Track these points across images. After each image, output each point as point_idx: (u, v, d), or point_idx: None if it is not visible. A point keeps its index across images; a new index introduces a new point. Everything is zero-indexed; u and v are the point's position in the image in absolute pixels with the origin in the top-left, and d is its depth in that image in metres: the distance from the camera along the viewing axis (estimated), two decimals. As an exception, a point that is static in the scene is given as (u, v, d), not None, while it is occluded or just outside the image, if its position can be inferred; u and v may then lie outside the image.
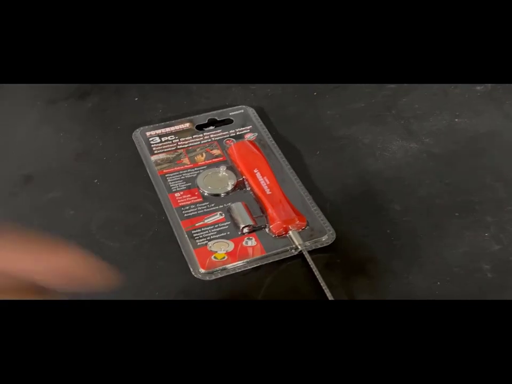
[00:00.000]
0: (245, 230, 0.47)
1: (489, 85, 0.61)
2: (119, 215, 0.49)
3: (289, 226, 0.47)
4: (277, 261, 0.46)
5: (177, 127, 0.56)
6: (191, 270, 0.45)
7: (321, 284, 0.44)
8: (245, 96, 0.60)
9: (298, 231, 0.47)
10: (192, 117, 0.58)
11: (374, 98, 0.60)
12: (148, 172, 0.53)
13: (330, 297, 0.43)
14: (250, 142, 0.55)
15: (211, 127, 0.57)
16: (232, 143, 0.55)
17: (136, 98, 0.60)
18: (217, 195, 0.50)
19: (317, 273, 0.44)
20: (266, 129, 0.56)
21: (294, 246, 0.46)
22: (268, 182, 0.50)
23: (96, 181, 0.52)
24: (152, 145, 0.55)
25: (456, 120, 0.57)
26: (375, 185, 0.52)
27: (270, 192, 0.49)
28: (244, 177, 0.51)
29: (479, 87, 0.61)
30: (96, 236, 0.48)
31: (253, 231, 0.48)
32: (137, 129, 0.56)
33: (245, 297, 0.44)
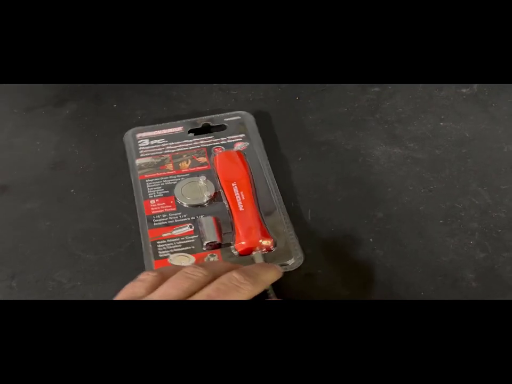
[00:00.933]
0: (209, 246, 0.46)
1: (475, 86, 0.60)
2: (95, 226, 0.48)
3: (254, 247, 0.46)
4: None
5: (169, 130, 0.55)
6: None
7: None
8: (225, 101, 0.59)
9: (263, 252, 0.46)
10: (185, 120, 0.56)
11: (358, 102, 0.59)
12: (131, 176, 0.51)
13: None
14: (238, 152, 0.53)
15: (191, 134, 0.55)
16: (220, 151, 0.53)
17: (115, 105, 0.59)
18: (194, 206, 0.49)
19: (272, 295, 0.42)
20: (261, 139, 0.54)
21: None
22: (243, 198, 0.48)
23: (72, 190, 0.51)
24: (139, 148, 0.53)
25: (441, 124, 0.56)
26: (357, 192, 0.51)
27: (243, 209, 0.48)
28: (220, 189, 0.50)
29: (464, 89, 0.60)
30: (72, 248, 0.47)
31: (219, 247, 0.46)
32: (129, 130, 0.55)
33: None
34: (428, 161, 0.53)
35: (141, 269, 0.45)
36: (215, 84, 0.60)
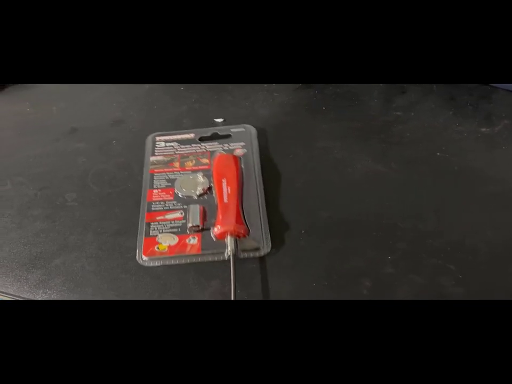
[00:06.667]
0: (192, 229, 0.53)
1: (498, 128, 0.59)
2: (112, 168, 0.62)
3: (229, 232, 0.51)
4: (209, 260, 0.51)
5: (183, 136, 0.64)
6: (137, 253, 0.52)
7: (232, 287, 0.48)
8: (265, 101, 0.68)
9: (236, 238, 0.52)
10: (197, 129, 0.65)
11: (375, 121, 0.63)
12: (144, 171, 0.60)
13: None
14: (233, 155, 0.60)
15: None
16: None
17: (182, 88, 0.72)
18: (188, 196, 0.56)
19: (232, 278, 0.48)
20: (258, 148, 0.61)
21: (227, 250, 0.51)
22: (229, 192, 0.55)
23: (114, 142, 0.65)
24: (156, 148, 0.63)
25: (438, 153, 0.58)
26: (322, 194, 0.56)
27: (227, 201, 0.54)
28: (212, 184, 0.57)
29: (484, 129, 0.59)
30: (87, 180, 0.60)
31: (201, 231, 0.53)
32: (150, 135, 0.65)
33: (163, 286, 0.50)
34: (398, 181, 0.56)
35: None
36: (266, 86, 0.70)
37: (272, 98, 0.68)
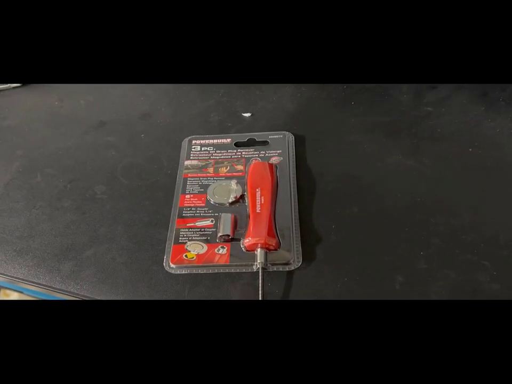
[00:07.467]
0: (222, 238, 0.52)
1: (532, 124, 0.58)
2: (141, 162, 0.62)
3: (259, 244, 0.51)
4: (236, 272, 0.51)
5: (219, 141, 0.63)
6: (164, 260, 0.52)
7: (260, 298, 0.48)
8: (292, 95, 0.68)
9: (267, 251, 0.51)
10: (234, 135, 0.64)
11: (405, 116, 0.62)
12: (178, 174, 0.60)
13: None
14: (269, 164, 0.59)
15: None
16: (255, 161, 0.60)
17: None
18: (220, 204, 0.56)
19: (261, 291, 0.48)
20: (294, 157, 0.60)
21: (256, 263, 0.50)
22: (262, 202, 0.54)
23: (143, 135, 0.65)
24: (191, 152, 0.62)
25: (470, 149, 0.57)
26: (352, 188, 0.56)
27: (259, 211, 0.53)
28: (245, 193, 0.56)
29: (517, 125, 0.59)
30: (117, 173, 0.61)
31: (231, 241, 0.52)
32: (187, 137, 0.64)
33: (195, 278, 0.51)
34: (432, 177, 0.55)
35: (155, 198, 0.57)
36: (294, 85, 0.70)
37: (300, 92, 0.68)
